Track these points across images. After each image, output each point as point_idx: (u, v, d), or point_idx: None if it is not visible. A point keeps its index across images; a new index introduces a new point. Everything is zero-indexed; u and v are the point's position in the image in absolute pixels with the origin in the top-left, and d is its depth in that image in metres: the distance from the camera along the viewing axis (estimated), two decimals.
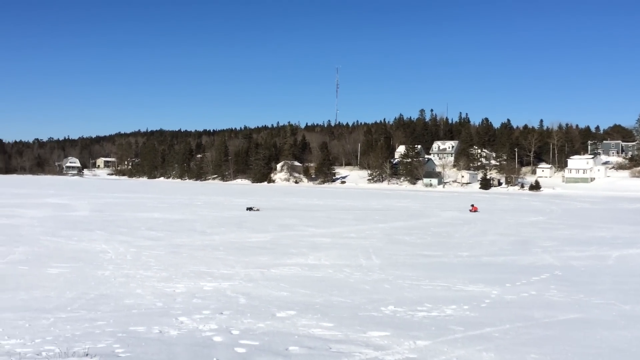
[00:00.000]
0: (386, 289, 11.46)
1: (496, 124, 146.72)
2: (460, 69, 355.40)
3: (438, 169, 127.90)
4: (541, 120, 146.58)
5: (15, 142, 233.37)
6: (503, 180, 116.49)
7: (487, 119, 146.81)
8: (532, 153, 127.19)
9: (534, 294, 11.19)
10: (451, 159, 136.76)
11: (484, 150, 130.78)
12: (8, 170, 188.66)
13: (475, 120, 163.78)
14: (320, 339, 7.22)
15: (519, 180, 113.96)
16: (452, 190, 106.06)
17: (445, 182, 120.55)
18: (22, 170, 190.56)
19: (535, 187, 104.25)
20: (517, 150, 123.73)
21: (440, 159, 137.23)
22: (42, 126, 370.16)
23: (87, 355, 6.20)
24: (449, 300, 10.22)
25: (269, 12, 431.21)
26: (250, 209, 33.84)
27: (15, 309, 9.06)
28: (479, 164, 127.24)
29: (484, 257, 17.23)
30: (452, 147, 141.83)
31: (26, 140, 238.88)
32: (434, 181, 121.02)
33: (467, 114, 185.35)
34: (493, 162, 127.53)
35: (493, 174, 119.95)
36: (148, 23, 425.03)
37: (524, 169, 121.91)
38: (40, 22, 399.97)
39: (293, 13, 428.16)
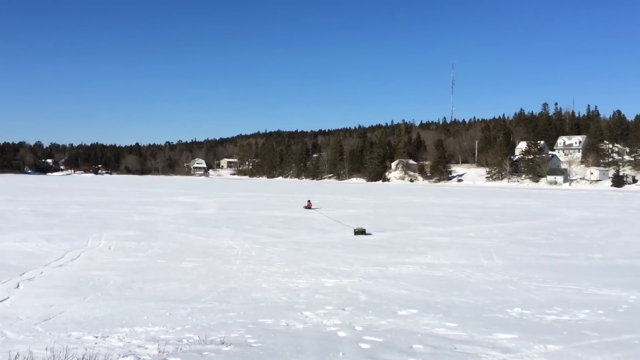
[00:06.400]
0: (511, 291, 11.07)
1: (630, 116, 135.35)
2: (588, 58, 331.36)
3: (563, 166, 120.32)
4: None
5: (149, 145, 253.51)
6: (639, 177, 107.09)
7: (619, 112, 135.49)
8: None
9: None
10: (578, 155, 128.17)
11: (616, 145, 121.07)
12: (143, 171, 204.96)
13: (606, 113, 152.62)
14: (444, 338, 7.16)
15: None
16: (579, 188, 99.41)
17: (572, 180, 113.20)
18: (155, 171, 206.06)
19: None
20: None
21: (565, 155, 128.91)
22: (172, 130, 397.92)
23: (223, 343, 6.64)
24: (581, 305, 9.66)
25: (384, 8, 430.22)
26: (360, 232, 21.70)
27: (156, 299, 9.88)
28: (610, 159, 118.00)
29: (618, 259, 16.04)
30: (580, 142, 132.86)
31: (159, 143, 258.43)
32: (559, 179, 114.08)
33: (596, 106, 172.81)
34: (627, 157, 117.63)
35: (627, 171, 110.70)
36: (262, 26, 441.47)
37: None
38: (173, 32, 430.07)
39: (408, 8, 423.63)
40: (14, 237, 18.54)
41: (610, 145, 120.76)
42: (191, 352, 6.24)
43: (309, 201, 37.77)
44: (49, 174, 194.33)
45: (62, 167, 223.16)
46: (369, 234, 21.63)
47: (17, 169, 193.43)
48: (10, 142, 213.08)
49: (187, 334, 7.29)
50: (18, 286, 10.76)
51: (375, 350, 6.51)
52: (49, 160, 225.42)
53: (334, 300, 9.84)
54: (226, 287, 11.13)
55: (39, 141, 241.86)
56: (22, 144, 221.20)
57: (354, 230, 22.14)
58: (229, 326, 7.79)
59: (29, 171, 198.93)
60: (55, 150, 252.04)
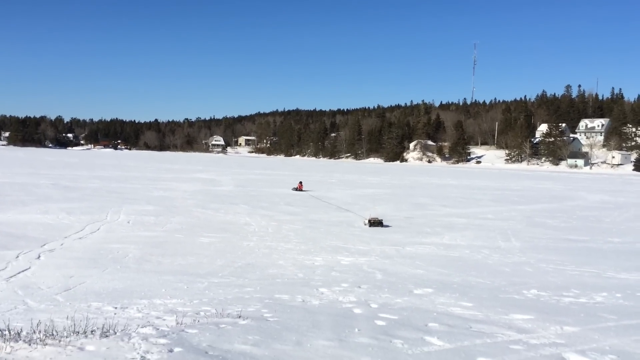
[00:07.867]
0: (528, 272, 11.01)
1: None
2: (613, 39, 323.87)
3: (585, 149, 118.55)
4: None
5: (169, 121, 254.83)
6: None
7: None
8: None
9: None
10: (600, 138, 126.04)
11: (639, 128, 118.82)
12: (162, 147, 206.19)
13: (630, 96, 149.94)
14: (460, 317, 7.15)
15: None
16: (600, 172, 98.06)
17: (593, 163, 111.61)
18: (174, 147, 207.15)
19: None
20: None
21: (587, 138, 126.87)
22: (191, 106, 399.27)
23: (239, 317, 6.70)
24: (599, 287, 9.58)
25: None
26: (376, 223, 17.80)
27: (174, 273, 10.01)
28: (633, 143, 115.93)
29: (638, 244, 15.88)
30: (602, 125, 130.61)
31: (177, 120, 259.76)
32: (580, 162, 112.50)
33: (620, 89, 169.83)
34: None
35: None
36: (283, 4, 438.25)
37: None
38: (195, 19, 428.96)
39: None
40: (35, 210, 18.85)
41: (634, 129, 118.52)
42: (208, 324, 6.32)
43: (300, 183, 34.50)
44: (70, 148, 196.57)
45: (82, 142, 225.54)
46: (387, 226, 17.88)
47: (39, 143, 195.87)
48: (32, 116, 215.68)
49: (204, 307, 7.37)
50: (39, 257, 10.97)
51: (391, 327, 6.53)
52: (70, 135, 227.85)
53: (350, 278, 9.87)
54: (243, 262, 11.23)
55: (59, 116, 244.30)
56: (43, 118, 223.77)
57: (368, 220, 18.09)
58: (246, 300, 7.86)
59: (50, 145, 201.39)
60: (75, 125, 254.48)
